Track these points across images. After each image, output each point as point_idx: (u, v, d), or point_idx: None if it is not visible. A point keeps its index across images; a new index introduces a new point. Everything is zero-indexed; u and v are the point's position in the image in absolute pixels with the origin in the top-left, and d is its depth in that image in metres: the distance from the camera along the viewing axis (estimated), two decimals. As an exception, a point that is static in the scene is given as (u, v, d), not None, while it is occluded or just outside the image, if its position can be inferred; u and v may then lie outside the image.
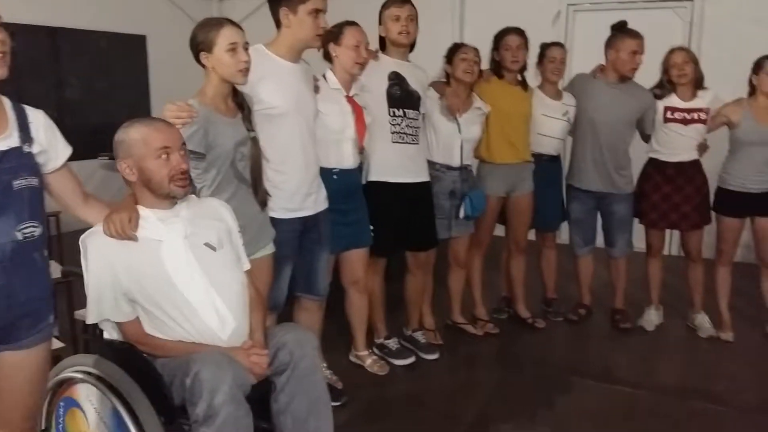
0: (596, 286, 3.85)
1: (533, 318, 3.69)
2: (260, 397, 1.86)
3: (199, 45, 2.12)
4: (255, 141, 2.23)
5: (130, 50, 6.23)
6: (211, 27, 2.11)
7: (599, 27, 3.56)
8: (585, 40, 3.53)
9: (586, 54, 3.50)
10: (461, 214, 3.22)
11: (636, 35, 3.34)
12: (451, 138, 3.14)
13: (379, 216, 2.90)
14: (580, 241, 3.65)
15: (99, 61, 6.00)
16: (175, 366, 1.76)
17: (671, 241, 4.48)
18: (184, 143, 1.86)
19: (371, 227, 2.88)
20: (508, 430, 2.60)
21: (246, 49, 2.12)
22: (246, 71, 2.13)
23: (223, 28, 2.09)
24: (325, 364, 2.81)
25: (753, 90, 3.31)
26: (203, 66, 2.15)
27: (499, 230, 3.63)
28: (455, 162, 3.18)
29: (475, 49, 3.17)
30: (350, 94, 2.74)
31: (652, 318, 3.67)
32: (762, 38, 4.25)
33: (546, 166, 3.53)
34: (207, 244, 1.88)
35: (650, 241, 3.60)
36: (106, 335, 1.90)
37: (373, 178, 2.92)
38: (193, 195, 1.99)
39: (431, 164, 3.16)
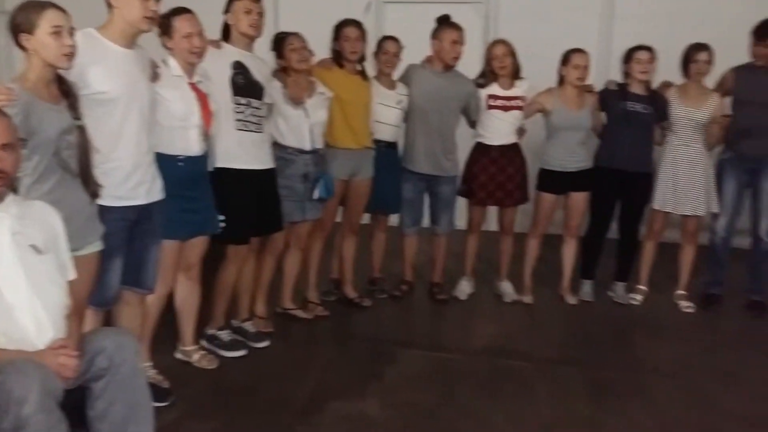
0: (419, 262, 4.10)
1: (360, 297, 3.84)
2: (76, 404, 1.76)
3: (19, 26, 2.02)
4: (82, 130, 2.12)
5: None
6: (33, 9, 2.02)
7: (410, 19, 3.75)
8: (395, 31, 3.74)
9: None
10: (315, 195, 3.29)
11: (456, 27, 3.61)
12: (299, 123, 3.21)
13: (228, 203, 2.89)
14: (409, 220, 3.87)
15: None
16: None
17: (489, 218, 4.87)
18: (6, 144, 1.73)
19: (222, 215, 2.87)
20: (339, 405, 2.70)
21: (71, 34, 2.06)
22: (71, 56, 2.06)
23: (46, 10, 2.02)
24: (150, 364, 2.70)
25: (562, 80, 3.72)
26: (23, 49, 2.03)
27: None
28: (306, 145, 3.24)
29: (299, 36, 3.23)
30: (193, 81, 2.68)
31: (464, 288, 4.02)
32: (546, 34, 4.83)
33: (384, 152, 3.69)
34: (33, 246, 1.78)
35: (473, 217, 3.92)
36: None
37: (219, 164, 2.88)
38: (17, 195, 1.86)
39: (283, 148, 3.20)
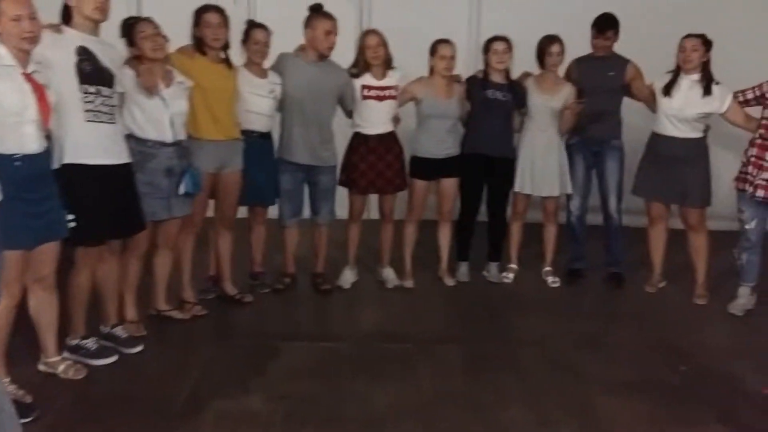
0: (301, 254, 4.08)
1: (241, 294, 3.76)
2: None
3: None
4: None
5: None
6: None
7: (281, 6, 3.62)
8: (267, 18, 3.67)
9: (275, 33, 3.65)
10: (181, 190, 3.15)
11: (329, 16, 3.60)
12: (159, 113, 3.05)
13: (80, 202, 2.68)
14: (288, 212, 3.83)
15: None
16: None
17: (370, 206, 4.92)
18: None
19: (72, 216, 2.65)
20: (220, 402, 2.64)
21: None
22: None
23: None
24: (7, 379, 2.49)
25: (431, 70, 3.82)
26: None
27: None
28: (168, 137, 3.09)
29: (150, 21, 3.06)
30: (27, 71, 2.45)
31: (348, 277, 4.05)
32: (418, 24, 4.93)
33: (257, 142, 3.61)
34: None
35: (354, 206, 3.95)
36: None
37: (67, 161, 2.67)
38: None
39: (142, 142, 3.04)
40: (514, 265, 4.28)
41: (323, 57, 3.67)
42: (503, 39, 3.87)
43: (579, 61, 4.10)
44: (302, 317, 3.69)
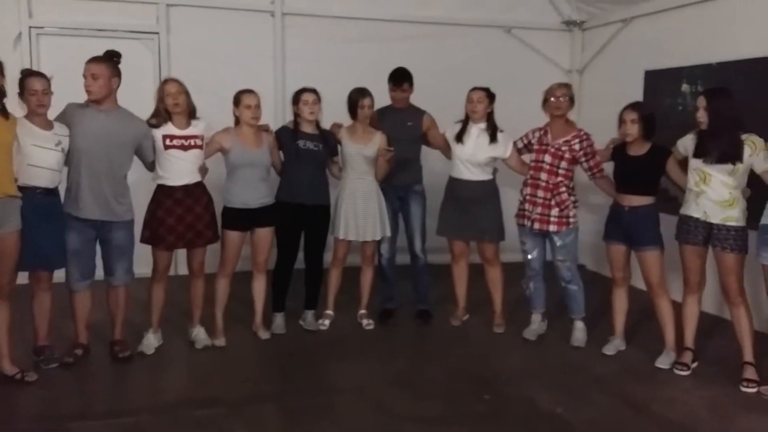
0: (95, 320, 3.69)
1: (21, 372, 3.28)
2: None
3: None
4: None
5: None
6: None
7: (67, 52, 3.30)
8: (51, 64, 3.35)
9: (57, 80, 3.34)
10: None
11: (94, 60, 3.38)
12: None
13: None
14: (77, 274, 3.47)
15: None
16: None
17: (177, 262, 4.63)
18: None
19: None
20: None
21: None
22: None
23: None
24: None
25: (237, 120, 3.76)
26: None
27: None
28: None
29: None
30: None
31: (151, 342, 3.74)
32: (222, 73, 4.91)
33: (40, 199, 3.26)
34: None
35: (158, 264, 3.67)
36: None
37: None
38: None
39: None
40: (330, 311, 4.28)
41: (116, 107, 3.44)
42: (312, 90, 3.93)
43: (381, 112, 4.29)
44: (98, 392, 3.31)
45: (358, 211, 4.08)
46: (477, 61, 5.57)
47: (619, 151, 3.71)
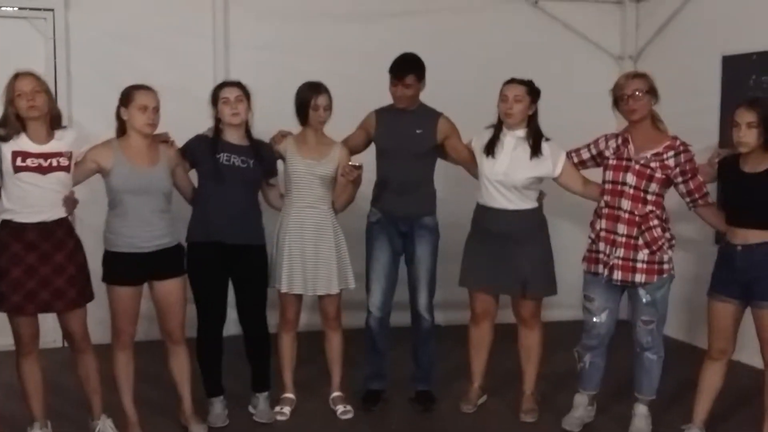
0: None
1: None
2: None
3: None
4: None
5: None
6: None
7: None
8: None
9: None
10: None
11: None
12: None
13: None
14: None
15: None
16: None
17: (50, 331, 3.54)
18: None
19: None
20: None
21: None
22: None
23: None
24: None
25: (123, 127, 2.80)
26: None
27: None
28: None
29: None
30: None
31: None
32: (131, 56, 3.89)
33: None
34: None
35: (22, 333, 2.68)
36: None
37: None
38: None
39: None
40: (289, 395, 3.22)
41: None
42: (235, 84, 2.97)
43: (379, 112, 3.24)
44: None
45: (307, 254, 3.03)
46: (496, 47, 4.39)
47: (729, 166, 2.79)
